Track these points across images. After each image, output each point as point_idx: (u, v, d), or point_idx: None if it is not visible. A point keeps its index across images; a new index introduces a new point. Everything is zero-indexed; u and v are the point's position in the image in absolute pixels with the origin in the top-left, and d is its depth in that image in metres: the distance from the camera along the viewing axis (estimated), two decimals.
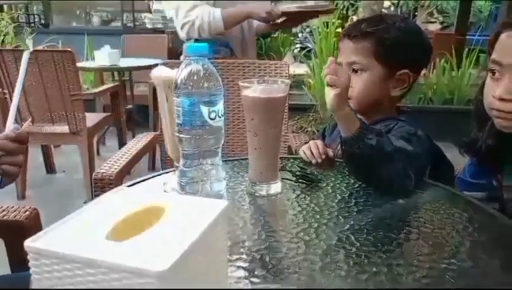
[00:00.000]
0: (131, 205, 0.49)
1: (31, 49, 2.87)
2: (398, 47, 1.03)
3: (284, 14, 1.75)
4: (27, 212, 0.96)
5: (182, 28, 1.78)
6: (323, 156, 1.04)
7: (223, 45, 1.85)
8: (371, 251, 0.65)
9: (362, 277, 0.59)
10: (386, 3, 9.18)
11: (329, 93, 0.85)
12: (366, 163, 0.86)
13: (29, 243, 0.40)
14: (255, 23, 1.95)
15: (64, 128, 2.48)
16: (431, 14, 10.55)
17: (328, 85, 0.85)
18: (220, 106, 0.69)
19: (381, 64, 1.04)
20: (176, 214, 0.47)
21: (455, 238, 0.70)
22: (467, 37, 6.17)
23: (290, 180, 0.92)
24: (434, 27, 10.71)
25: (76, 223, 0.45)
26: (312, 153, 1.04)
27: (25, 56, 0.85)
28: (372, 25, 1.04)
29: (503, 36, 0.84)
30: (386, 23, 1.05)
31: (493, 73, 0.86)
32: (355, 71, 1.05)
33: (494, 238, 0.70)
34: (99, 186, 1.16)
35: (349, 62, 1.05)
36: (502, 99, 0.83)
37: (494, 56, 0.85)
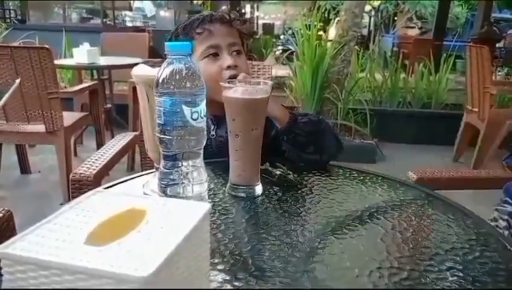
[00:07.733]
0: (110, 207, 0.47)
1: None
2: None
3: None
4: (0, 215, 0.93)
5: None
6: None
7: None
8: (352, 253, 0.66)
9: (344, 279, 0.59)
10: (367, 7, 9.30)
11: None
12: (308, 139, 1.00)
13: (2, 249, 0.38)
14: None
15: (40, 128, 2.41)
16: (410, 19, 10.79)
17: None
18: (202, 106, 0.68)
19: None
20: (157, 217, 0.46)
21: (435, 239, 0.71)
22: (444, 42, 6.34)
23: (272, 182, 0.91)
24: (413, 32, 10.95)
25: (53, 226, 0.43)
26: None
27: None
28: None
29: None
30: None
31: None
32: None
33: (473, 239, 0.71)
34: (76, 187, 1.13)
35: None
36: None
37: None
